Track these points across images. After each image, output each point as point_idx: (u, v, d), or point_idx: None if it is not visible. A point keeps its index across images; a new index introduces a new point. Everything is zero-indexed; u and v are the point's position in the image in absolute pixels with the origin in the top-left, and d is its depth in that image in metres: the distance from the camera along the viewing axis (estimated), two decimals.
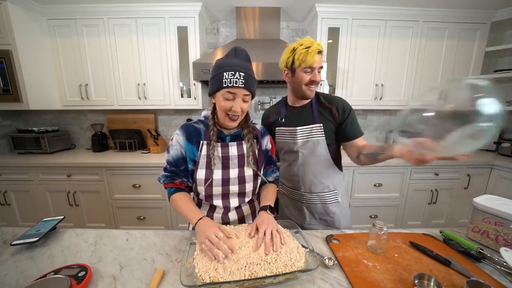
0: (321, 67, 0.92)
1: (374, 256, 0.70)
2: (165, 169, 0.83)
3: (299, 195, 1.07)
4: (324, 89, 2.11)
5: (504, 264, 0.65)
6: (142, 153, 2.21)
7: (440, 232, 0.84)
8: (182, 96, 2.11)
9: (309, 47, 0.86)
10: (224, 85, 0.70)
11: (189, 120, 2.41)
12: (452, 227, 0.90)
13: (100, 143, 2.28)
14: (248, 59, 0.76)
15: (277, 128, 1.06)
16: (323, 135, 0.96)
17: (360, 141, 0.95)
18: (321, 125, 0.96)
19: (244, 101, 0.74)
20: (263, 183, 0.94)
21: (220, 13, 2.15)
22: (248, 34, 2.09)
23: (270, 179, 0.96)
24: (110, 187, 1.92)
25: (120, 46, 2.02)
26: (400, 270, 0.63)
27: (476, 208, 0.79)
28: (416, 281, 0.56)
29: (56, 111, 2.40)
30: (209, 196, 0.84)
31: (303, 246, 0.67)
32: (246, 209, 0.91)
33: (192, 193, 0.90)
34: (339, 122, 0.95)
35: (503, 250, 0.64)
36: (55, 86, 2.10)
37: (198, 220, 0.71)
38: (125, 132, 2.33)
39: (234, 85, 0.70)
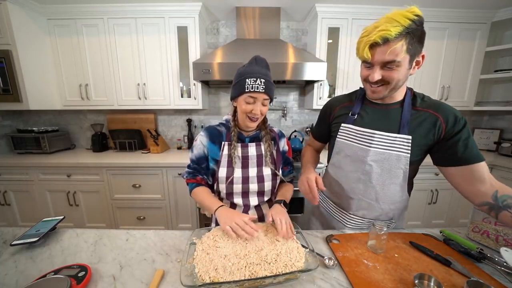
0: (391, 62, 0.64)
1: (374, 256, 0.70)
2: (189, 167, 0.91)
3: (344, 216, 0.88)
4: (324, 89, 2.09)
5: (504, 264, 0.65)
6: (142, 153, 2.21)
7: (440, 232, 0.84)
8: (182, 96, 2.11)
9: (367, 35, 0.65)
10: (246, 90, 0.77)
11: (189, 120, 2.42)
12: (452, 227, 0.90)
13: (100, 143, 2.27)
14: (267, 67, 0.83)
15: (343, 125, 0.85)
16: (409, 150, 0.73)
17: (482, 170, 0.66)
18: (410, 137, 0.73)
19: (263, 104, 0.81)
20: (280, 182, 0.99)
21: (220, 13, 2.15)
22: (248, 34, 2.08)
23: (287, 179, 1.00)
24: (110, 187, 1.92)
25: (120, 46, 2.01)
26: (400, 270, 0.63)
27: (476, 208, 0.79)
28: (416, 281, 0.56)
29: (56, 111, 2.40)
30: (230, 194, 0.90)
31: (303, 246, 0.68)
32: (265, 207, 0.95)
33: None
34: (443, 136, 0.71)
35: (503, 250, 0.64)
36: (55, 86, 2.10)
37: (219, 207, 0.77)
38: (125, 132, 2.33)
39: (256, 90, 0.76)
